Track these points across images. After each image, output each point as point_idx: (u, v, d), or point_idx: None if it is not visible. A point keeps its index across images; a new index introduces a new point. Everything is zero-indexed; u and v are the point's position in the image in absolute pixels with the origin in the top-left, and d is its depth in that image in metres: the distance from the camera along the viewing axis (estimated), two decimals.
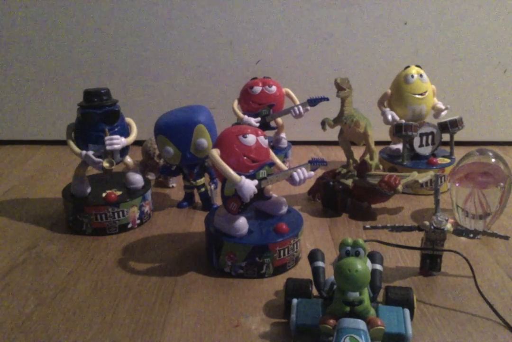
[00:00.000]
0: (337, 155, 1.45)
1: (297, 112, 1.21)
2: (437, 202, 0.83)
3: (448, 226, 0.79)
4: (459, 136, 1.21)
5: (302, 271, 0.84)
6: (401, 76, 1.20)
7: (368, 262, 0.67)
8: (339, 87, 1.05)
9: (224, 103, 1.35)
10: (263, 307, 0.74)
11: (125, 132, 0.97)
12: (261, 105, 1.24)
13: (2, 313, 0.73)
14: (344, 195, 1.05)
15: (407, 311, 0.66)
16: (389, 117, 1.20)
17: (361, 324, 0.58)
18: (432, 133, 1.17)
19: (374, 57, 1.45)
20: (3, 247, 0.93)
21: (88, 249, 0.92)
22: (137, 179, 1.02)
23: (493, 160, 0.94)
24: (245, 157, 0.77)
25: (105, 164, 0.93)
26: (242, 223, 0.80)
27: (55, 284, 0.81)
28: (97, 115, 0.92)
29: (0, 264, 0.87)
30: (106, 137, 0.92)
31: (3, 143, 1.58)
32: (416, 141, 1.17)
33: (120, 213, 0.97)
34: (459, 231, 0.81)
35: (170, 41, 1.44)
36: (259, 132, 0.80)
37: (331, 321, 0.60)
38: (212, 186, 1.08)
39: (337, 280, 0.60)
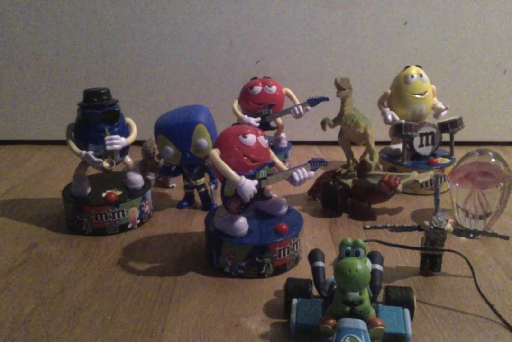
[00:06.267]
0: (337, 155, 1.45)
1: (297, 112, 1.21)
2: (437, 202, 0.83)
3: (448, 226, 0.79)
4: (459, 136, 1.21)
5: (302, 271, 0.84)
6: (401, 76, 1.20)
7: (368, 262, 0.67)
8: (339, 87, 1.05)
9: (224, 103, 1.35)
10: (263, 307, 0.74)
11: (125, 132, 0.97)
12: (261, 105, 1.24)
13: (2, 313, 0.73)
14: (344, 195, 1.05)
15: (407, 311, 0.66)
16: (389, 117, 1.20)
17: (361, 324, 0.58)
18: (432, 133, 1.17)
19: (374, 57, 1.45)
20: (3, 247, 0.93)
21: (88, 249, 0.92)
22: (137, 179, 1.02)
23: (493, 160, 0.94)
24: (245, 157, 0.77)
25: (105, 164, 0.93)
26: (242, 223, 0.80)
27: (55, 284, 0.81)
28: (97, 115, 0.92)
29: (0, 264, 0.87)
30: (106, 137, 0.92)
31: (3, 143, 1.58)
32: (416, 141, 1.17)
33: (120, 213, 0.97)
34: (459, 231, 0.81)
35: (170, 41, 1.44)
36: (259, 132, 0.80)
37: (331, 321, 0.60)
38: (212, 186, 1.08)
39: (337, 280, 0.60)
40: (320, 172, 1.10)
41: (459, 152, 1.12)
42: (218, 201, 1.05)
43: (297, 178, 0.79)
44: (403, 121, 1.17)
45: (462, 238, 0.91)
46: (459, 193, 0.95)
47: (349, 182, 1.07)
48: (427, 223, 0.79)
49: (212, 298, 0.76)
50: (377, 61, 1.45)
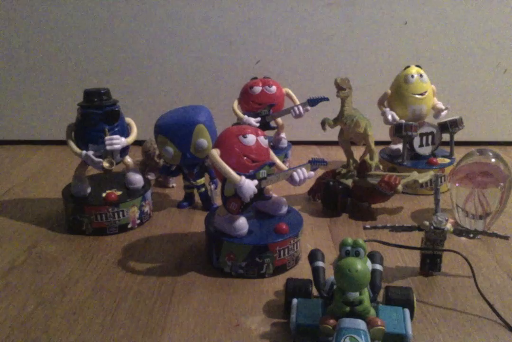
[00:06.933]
0: (337, 155, 1.45)
1: (297, 112, 1.21)
2: (437, 202, 0.83)
3: (448, 226, 0.79)
4: (459, 136, 1.21)
5: (302, 271, 0.84)
6: (401, 76, 1.20)
7: (368, 262, 0.66)
8: (339, 87, 1.05)
9: (224, 103, 1.35)
10: (263, 307, 0.74)
11: (125, 132, 0.97)
12: (261, 105, 1.24)
13: (2, 313, 0.73)
14: (344, 195, 1.05)
15: (407, 311, 0.66)
16: (389, 117, 1.20)
17: (361, 324, 0.58)
18: (432, 133, 1.17)
19: (374, 57, 1.45)
20: (3, 247, 0.93)
21: (88, 249, 0.92)
22: (137, 178, 1.02)
23: (493, 160, 0.94)
24: (245, 157, 0.77)
25: (105, 164, 0.93)
26: (242, 223, 0.80)
27: (55, 284, 0.81)
28: (97, 115, 0.92)
29: (0, 264, 0.87)
30: (106, 137, 0.92)
31: (3, 143, 1.58)
32: (416, 141, 1.17)
33: (120, 213, 0.97)
34: (459, 231, 0.81)
35: (170, 41, 1.45)
36: (259, 132, 0.80)
37: (331, 321, 0.60)
38: (212, 186, 1.08)
39: (337, 280, 0.60)
40: (320, 171, 1.10)
41: (459, 152, 1.12)
42: (218, 201, 1.05)
43: (297, 178, 0.79)
44: (403, 121, 1.17)
45: (462, 238, 0.91)
46: (459, 193, 0.95)
47: (349, 182, 1.07)
48: (427, 223, 0.79)
49: (212, 298, 0.76)
50: (377, 61, 1.45)
